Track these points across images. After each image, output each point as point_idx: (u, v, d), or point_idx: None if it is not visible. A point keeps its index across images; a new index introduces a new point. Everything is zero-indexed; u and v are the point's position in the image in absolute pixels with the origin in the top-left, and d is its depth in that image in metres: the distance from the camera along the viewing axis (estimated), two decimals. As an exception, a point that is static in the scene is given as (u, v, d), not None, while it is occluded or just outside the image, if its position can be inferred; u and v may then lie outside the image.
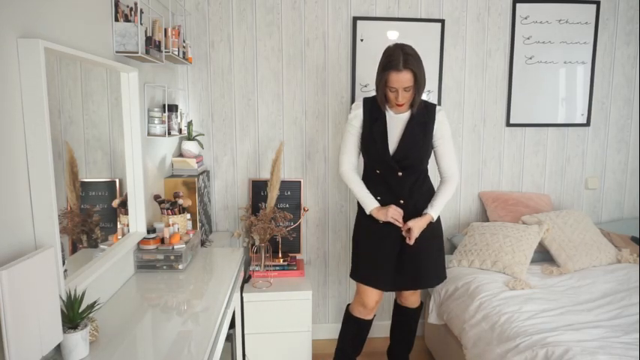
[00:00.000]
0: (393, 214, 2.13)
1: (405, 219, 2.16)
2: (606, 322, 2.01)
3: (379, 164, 2.17)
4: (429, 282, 2.33)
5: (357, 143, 2.24)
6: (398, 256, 2.21)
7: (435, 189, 2.28)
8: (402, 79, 1.99)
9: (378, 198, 2.19)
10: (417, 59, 2.01)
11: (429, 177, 2.27)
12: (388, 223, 2.16)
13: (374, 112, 2.17)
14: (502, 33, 2.94)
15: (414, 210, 2.18)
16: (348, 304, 2.44)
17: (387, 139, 2.13)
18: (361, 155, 2.28)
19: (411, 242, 2.13)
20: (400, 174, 2.14)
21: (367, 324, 2.39)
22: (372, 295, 2.27)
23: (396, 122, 2.15)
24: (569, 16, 2.94)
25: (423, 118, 2.14)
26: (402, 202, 2.17)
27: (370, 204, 2.19)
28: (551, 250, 2.68)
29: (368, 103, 2.19)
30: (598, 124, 3.10)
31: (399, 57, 1.97)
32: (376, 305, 2.32)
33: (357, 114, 2.20)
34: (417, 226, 2.14)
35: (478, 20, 2.91)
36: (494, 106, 3.01)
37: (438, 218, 2.26)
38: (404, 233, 2.17)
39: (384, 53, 2.07)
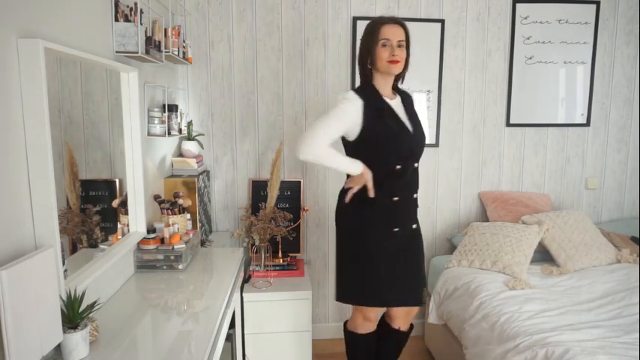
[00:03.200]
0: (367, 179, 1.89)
1: (415, 219, 2.05)
2: (606, 322, 2.01)
3: (402, 156, 1.91)
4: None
5: (339, 135, 1.92)
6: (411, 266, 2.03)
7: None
8: (395, 31, 1.86)
9: (395, 198, 1.93)
10: None
11: None
12: (402, 227, 1.97)
13: (375, 102, 1.90)
14: (502, 33, 2.94)
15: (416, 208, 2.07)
16: (346, 322, 2.22)
17: (405, 124, 1.94)
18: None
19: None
20: (416, 165, 1.98)
21: (374, 335, 2.18)
22: (376, 308, 2.11)
23: (397, 108, 1.97)
24: (569, 16, 2.94)
25: (410, 98, 2.07)
26: (415, 196, 2.02)
27: (358, 165, 1.88)
28: (551, 250, 2.68)
29: (364, 93, 1.91)
30: (598, 124, 3.10)
31: (387, 16, 1.91)
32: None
33: (356, 108, 1.87)
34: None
35: (478, 20, 2.91)
36: (494, 106, 3.01)
37: None
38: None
39: (367, 25, 1.94)
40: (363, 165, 1.89)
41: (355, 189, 1.92)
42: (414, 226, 2.04)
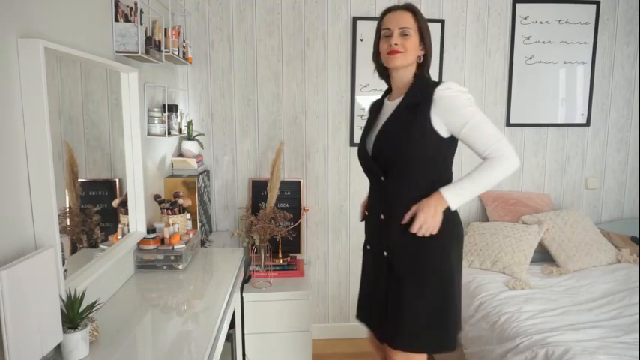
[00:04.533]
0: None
1: (388, 246, 1.62)
2: (606, 322, 2.01)
3: (363, 167, 1.70)
4: (411, 345, 1.61)
5: None
6: None
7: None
8: (397, 17, 1.57)
9: (366, 213, 1.77)
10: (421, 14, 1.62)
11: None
12: (370, 246, 1.74)
13: (374, 107, 1.76)
14: (502, 33, 2.94)
15: (398, 234, 1.57)
16: None
17: (370, 131, 1.67)
18: None
19: (414, 230, 1.51)
20: (383, 178, 1.60)
21: None
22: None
23: (387, 111, 1.66)
24: (569, 16, 2.94)
25: (415, 99, 1.56)
26: (382, 217, 1.62)
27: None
28: (551, 250, 2.68)
29: (372, 103, 1.80)
30: (598, 124, 3.10)
31: (397, 4, 1.62)
32: None
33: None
34: (422, 208, 1.51)
35: (478, 20, 2.91)
36: (494, 106, 3.00)
37: (435, 255, 1.60)
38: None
39: None
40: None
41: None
42: (385, 253, 1.62)
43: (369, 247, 1.74)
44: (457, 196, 1.52)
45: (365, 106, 2.86)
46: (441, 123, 1.52)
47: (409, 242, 1.56)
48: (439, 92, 1.52)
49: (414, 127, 1.53)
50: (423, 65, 1.64)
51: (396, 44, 1.55)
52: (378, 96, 1.80)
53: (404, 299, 1.57)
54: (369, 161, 1.64)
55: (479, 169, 1.52)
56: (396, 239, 1.59)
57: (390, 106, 1.65)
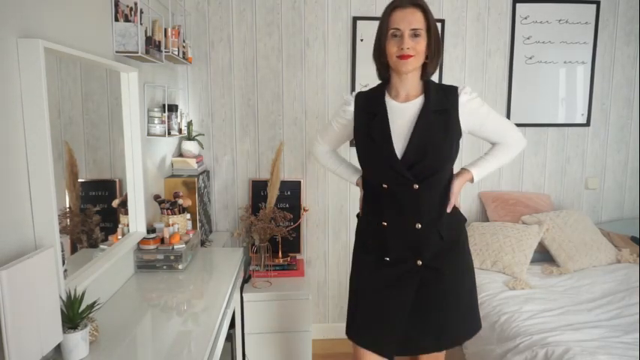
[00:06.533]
0: None
1: (425, 254, 1.57)
2: (606, 322, 2.01)
3: (384, 175, 1.56)
4: (458, 337, 1.69)
5: (340, 139, 1.79)
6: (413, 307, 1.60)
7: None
8: (408, 17, 1.49)
9: (384, 224, 1.59)
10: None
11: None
12: (395, 258, 1.60)
13: (372, 106, 1.61)
14: (502, 33, 2.94)
15: (436, 241, 1.58)
16: None
17: (391, 137, 1.54)
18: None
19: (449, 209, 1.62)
20: (416, 187, 1.53)
21: None
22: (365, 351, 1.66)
23: (403, 114, 1.56)
24: (569, 16, 2.94)
25: (441, 104, 1.56)
26: (418, 226, 1.56)
27: (354, 176, 1.78)
28: (551, 250, 2.68)
29: (362, 96, 1.66)
30: (598, 124, 3.10)
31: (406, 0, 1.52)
32: None
33: (349, 112, 1.67)
34: (457, 190, 1.64)
35: (478, 20, 2.91)
36: (494, 106, 2.99)
37: (466, 242, 1.71)
38: None
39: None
40: (358, 177, 1.77)
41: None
42: (420, 262, 1.57)
43: (388, 258, 1.60)
44: (481, 175, 1.69)
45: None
46: (464, 126, 1.61)
47: (449, 246, 1.60)
48: (463, 98, 1.58)
49: (450, 133, 1.56)
50: (427, 65, 1.57)
51: (408, 48, 1.48)
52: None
53: (448, 301, 1.61)
54: (400, 169, 1.52)
55: (501, 151, 1.69)
56: (438, 246, 1.59)
57: (406, 109, 1.57)
